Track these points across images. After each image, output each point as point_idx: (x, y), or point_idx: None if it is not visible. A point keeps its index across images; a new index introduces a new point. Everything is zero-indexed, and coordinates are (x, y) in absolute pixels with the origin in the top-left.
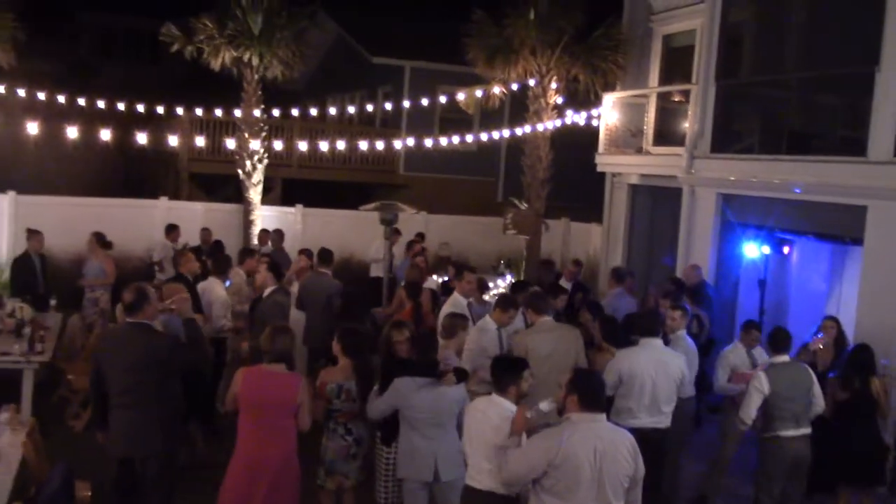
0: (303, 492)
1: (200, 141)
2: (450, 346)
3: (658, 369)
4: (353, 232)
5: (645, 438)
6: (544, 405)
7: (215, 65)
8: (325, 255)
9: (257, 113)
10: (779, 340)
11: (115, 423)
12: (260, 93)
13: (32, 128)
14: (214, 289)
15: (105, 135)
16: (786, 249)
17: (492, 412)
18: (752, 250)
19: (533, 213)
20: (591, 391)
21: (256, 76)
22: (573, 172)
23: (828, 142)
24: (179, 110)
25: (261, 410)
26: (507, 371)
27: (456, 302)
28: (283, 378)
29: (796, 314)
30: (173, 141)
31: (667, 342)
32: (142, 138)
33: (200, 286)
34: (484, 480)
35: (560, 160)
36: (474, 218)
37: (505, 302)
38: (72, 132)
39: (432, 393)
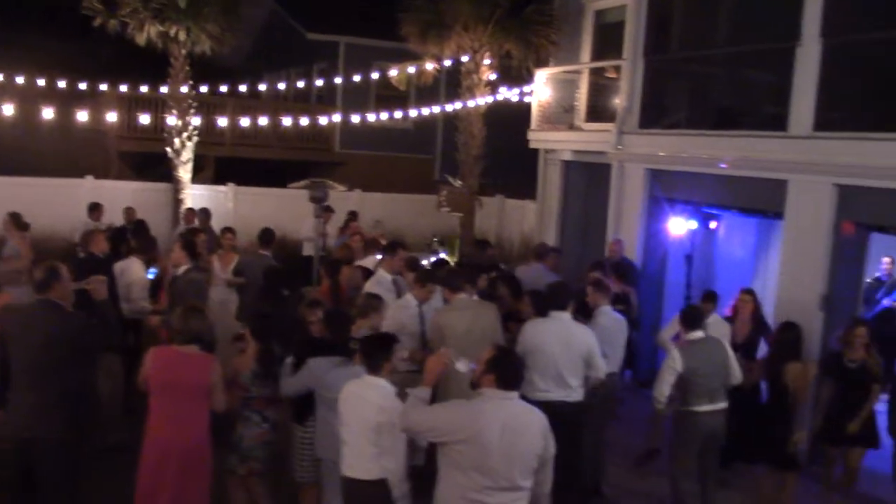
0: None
1: (126, 118)
2: (363, 326)
3: (562, 342)
4: (286, 210)
5: (555, 412)
6: (461, 365)
7: (140, 40)
8: (266, 236)
9: (185, 89)
10: (692, 317)
11: (13, 403)
12: (188, 69)
13: None
14: (133, 269)
15: (33, 113)
16: (713, 224)
17: (370, 394)
18: (680, 225)
19: (467, 190)
20: (509, 372)
21: (184, 51)
22: (508, 149)
23: (753, 117)
24: (103, 87)
25: (171, 392)
26: (377, 349)
27: (381, 278)
28: (195, 359)
29: (723, 289)
30: (101, 119)
31: (589, 317)
32: (70, 116)
33: (118, 266)
34: (372, 469)
35: (495, 137)
36: (409, 196)
37: (423, 277)
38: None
39: (346, 372)
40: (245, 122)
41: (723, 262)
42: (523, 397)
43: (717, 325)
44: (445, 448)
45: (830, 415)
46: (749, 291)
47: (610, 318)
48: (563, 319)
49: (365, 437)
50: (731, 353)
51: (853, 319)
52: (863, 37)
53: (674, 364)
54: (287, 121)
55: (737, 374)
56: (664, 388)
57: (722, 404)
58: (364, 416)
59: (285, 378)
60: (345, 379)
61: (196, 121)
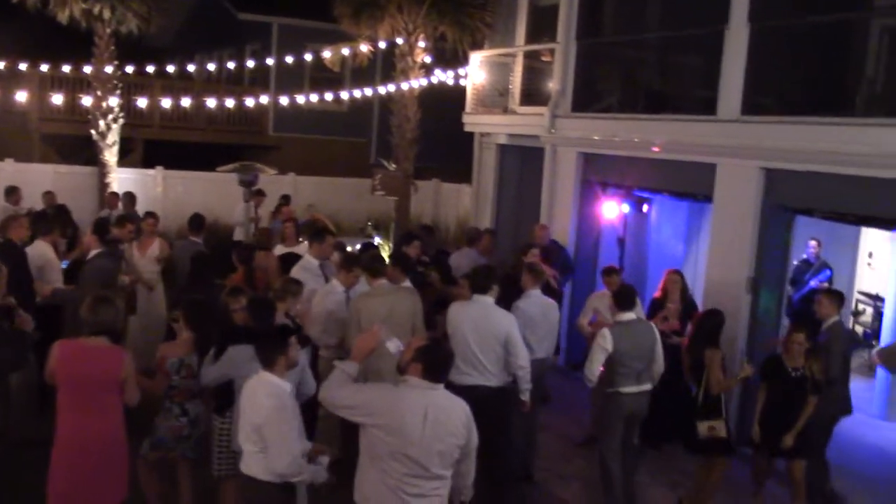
0: (132, 465)
1: (51, 99)
2: (279, 310)
3: (479, 326)
4: (217, 194)
5: (476, 397)
6: (391, 345)
7: (62, 17)
8: (196, 221)
9: (109, 69)
10: (624, 298)
11: None
12: (113, 48)
13: None
14: (40, 251)
15: None
16: (644, 208)
17: (259, 390)
18: (613, 209)
19: (401, 174)
20: (437, 364)
21: (108, 30)
22: (444, 133)
23: (683, 101)
24: (23, 66)
25: (80, 386)
26: (271, 343)
27: (307, 264)
28: (104, 352)
29: (655, 272)
30: (22, 99)
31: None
32: None
33: (29, 250)
34: (252, 466)
35: (430, 120)
36: (344, 179)
37: (347, 261)
38: None
39: None
40: (170, 103)
41: (655, 246)
42: (448, 381)
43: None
44: (366, 434)
45: (767, 424)
46: (677, 272)
47: (535, 302)
48: (483, 303)
49: (247, 433)
50: (658, 338)
51: (792, 325)
52: (790, 21)
53: (604, 343)
54: (214, 103)
55: (660, 363)
56: (595, 367)
57: (647, 386)
58: (246, 413)
59: (206, 367)
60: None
61: (122, 102)
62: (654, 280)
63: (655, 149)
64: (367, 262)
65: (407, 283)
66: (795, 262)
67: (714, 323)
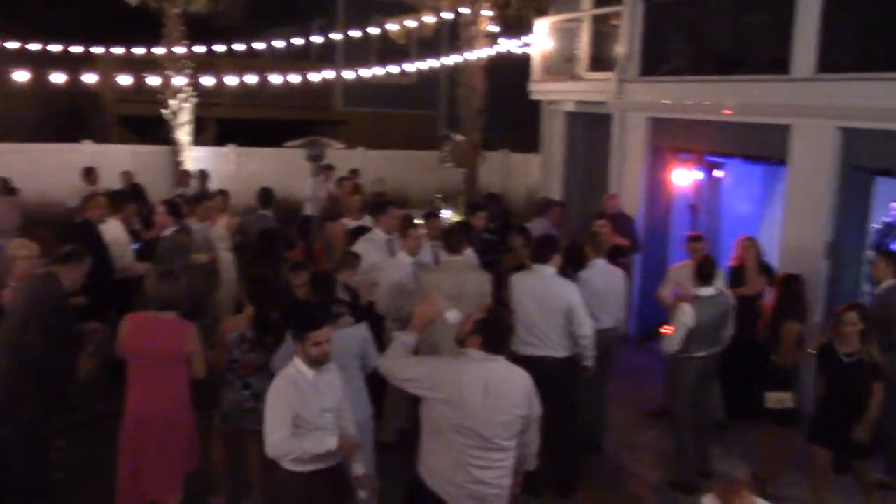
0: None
1: (124, 80)
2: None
3: (540, 297)
4: (288, 170)
5: (540, 367)
6: (451, 315)
7: (133, 0)
8: (265, 196)
9: (179, 50)
10: (705, 272)
11: None
12: (182, 28)
13: None
14: (110, 230)
15: (27, 77)
16: (717, 173)
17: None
18: (683, 175)
19: (469, 145)
20: (496, 336)
21: (177, 11)
22: (513, 102)
23: (754, 60)
24: (97, 49)
25: (147, 359)
26: (291, 326)
27: (374, 236)
28: (170, 325)
29: (729, 239)
30: (95, 81)
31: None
32: (63, 79)
33: (102, 228)
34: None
35: (499, 90)
36: (412, 152)
37: (405, 224)
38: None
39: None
40: (238, 81)
41: (729, 212)
42: (513, 351)
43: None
44: (427, 408)
45: (824, 421)
46: (750, 238)
47: (599, 272)
48: (543, 273)
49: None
50: (732, 305)
51: (847, 305)
52: None
53: (685, 319)
54: (282, 79)
55: (730, 327)
56: (676, 342)
57: (717, 348)
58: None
59: (278, 352)
60: (332, 341)
61: (191, 81)
62: (728, 247)
63: (727, 111)
64: (445, 237)
65: (469, 252)
66: (877, 226)
67: (792, 291)
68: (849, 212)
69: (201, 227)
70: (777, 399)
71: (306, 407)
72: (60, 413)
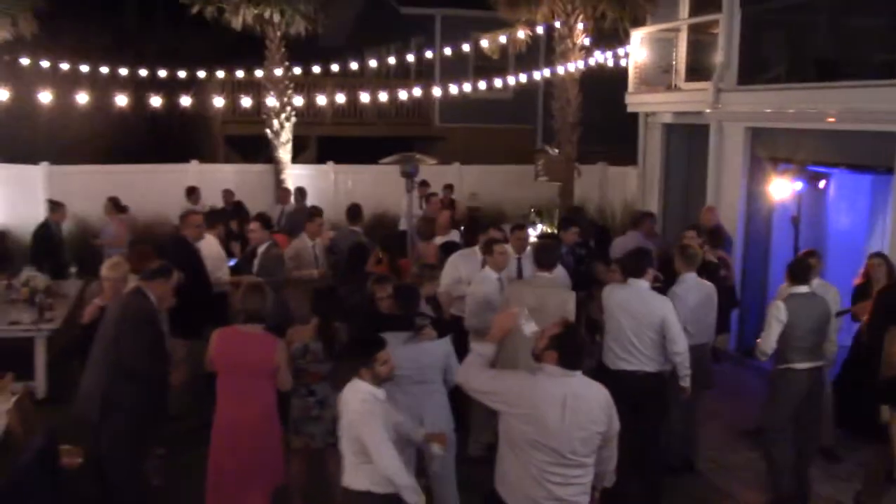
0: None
1: (219, 102)
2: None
3: (633, 311)
4: (386, 186)
5: (633, 382)
6: (527, 327)
7: (236, 24)
8: (353, 211)
9: (280, 71)
10: (798, 271)
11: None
12: (284, 50)
13: (81, 98)
14: (206, 245)
15: (145, 102)
16: (821, 184)
17: (350, 398)
18: (784, 186)
19: (564, 158)
20: (571, 352)
21: (279, 33)
22: (611, 115)
23: (857, 66)
24: (201, 73)
25: (236, 372)
26: (356, 353)
27: (469, 252)
28: (257, 339)
29: (835, 252)
30: (207, 104)
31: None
32: (177, 103)
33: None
34: (357, 479)
35: (595, 103)
36: (508, 167)
37: (485, 245)
38: (119, 100)
39: (415, 349)
40: (342, 99)
41: (835, 224)
42: (601, 366)
43: (822, 289)
44: (504, 423)
45: None
46: (880, 255)
47: (690, 286)
48: (637, 287)
49: (347, 445)
50: (832, 314)
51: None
52: None
53: (778, 314)
54: (385, 97)
55: (833, 340)
56: (770, 340)
57: (820, 362)
58: (346, 423)
59: None
60: (414, 355)
61: (296, 101)
62: (834, 261)
63: (830, 119)
64: (536, 253)
65: (559, 270)
66: None
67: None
68: None
69: (313, 244)
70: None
71: (389, 429)
72: (161, 422)
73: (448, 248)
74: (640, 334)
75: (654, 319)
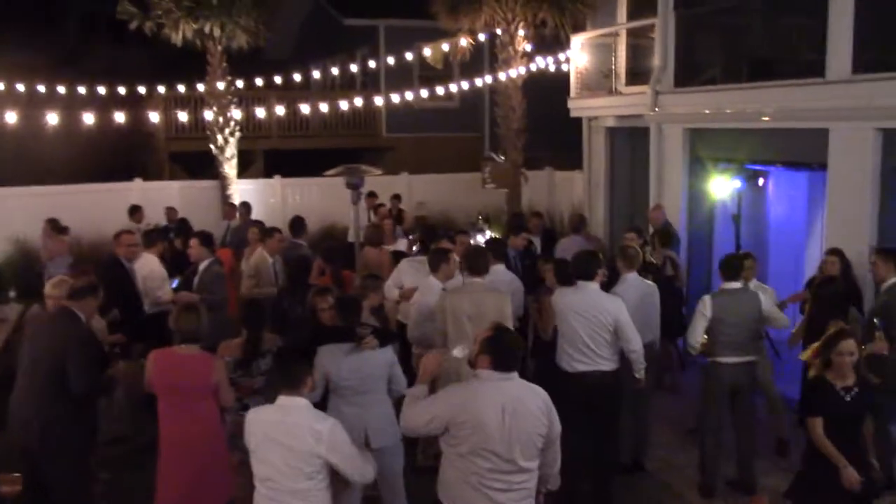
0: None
1: (155, 118)
2: (364, 307)
3: (586, 313)
4: (334, 199)
5: (589, 383)
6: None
7: (176, 39)
8: (297, 225)
9: (221, 85)
10: (729, 267)
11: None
12: (225, 64)
13: (10, 117)
14: (146, 263)
15: (86, 119)
16: (760, 181)
17: (301, 420)
18: (724, 185)
19: (510, 165)
20: (504, 352)
21: (219, 47)
22: (556, 121)
23: (789, 66)
24: (142, 89)
25: (175, 393)
26: (294, 362)
27: (420, 260)
28: (194, 360)
29: (777, 247)
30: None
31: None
32: (121, 119)
33: (137, 264)
34: None
35: (540, 109)
36: (456, 175)
37: (435, 260)
38: (52, 119)
39: (356, 359)
40: (284, 112)
41: (775, 220)
42: (559, 368)
43: (759, 290)
44: (446, 434)
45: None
46: (835, 252)
47: (631, 287)
48: (588, 289)
49: (295, 471)
50: (766, 305)
51: (835, 332)
52: None
53: (703, 309)
54: (328, 109)
55: (779, 320)
56: (695, 333)
57: (748, 357)
58: (292, 445)
59: None
60: (357, 365)
61: (239, 115)
62: (775, 257)
63: (765, 118)
64: (466, 258)
65: (501, 270)
66: None
67: (830, 292)
68: (892, 213)
69: (273, 261)
70: None
71: None
72: (104, 444)
73: (396, 258)
74: (593, 335)
75: (607, 319)
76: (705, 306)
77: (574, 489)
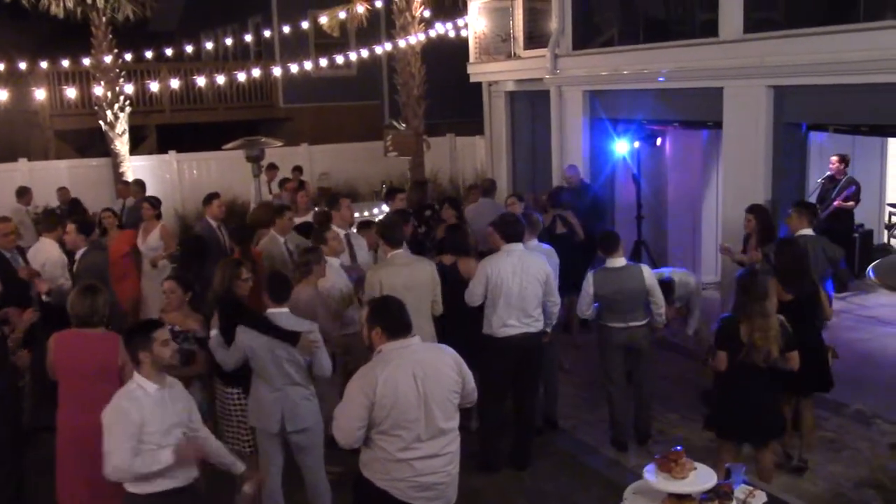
0: None
1: (42, 94)
2: (309, 284)
3: (523, 273)
4: (233, 173)
5: (519, 345)
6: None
7: (57, 11)
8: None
9: (108, 59)
10: (608, 244)
11: None
12: (111, 37)
13: None
14: (44, 248)
15: None
16: (658, 141)
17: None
18: (624, 146)
19: (412, 132)
20: (392, 317)
21: (104, 18)
22: (456, 86)
23: (684, 26)
24: (22, 65)
25: (78, 375)
26: (134, 336)
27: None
28: (98, 340)
29: (676, 204)
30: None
31: None
32: (2, 97)
33: (31, 250)
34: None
35: (439, 75)
36: (357, 145)
37: (318, 235)
38: None
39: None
40: (178, 85)
41: (674, 179)
42: (487, 335)
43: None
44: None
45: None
46: (752, 208)
47: (535, 251)
48: (519, 251)
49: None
50: (648, 282)
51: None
52: None
53: (587, 286)
54: (222, 80)
55: (659, 301)
56: (582, 305)
57: (637, 322)
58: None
59: (218, 351)
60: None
61: (128, 89)
62: (675, 215)
63: (661, 78)
64: (383, 230)
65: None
66: (820, 181)
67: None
68: (786, 169)
69: (285, 240)
70: None
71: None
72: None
73: (306, 229)
74: (527, 297)
75: (540, 277)
76: (588, 283)
77: (493, 450)
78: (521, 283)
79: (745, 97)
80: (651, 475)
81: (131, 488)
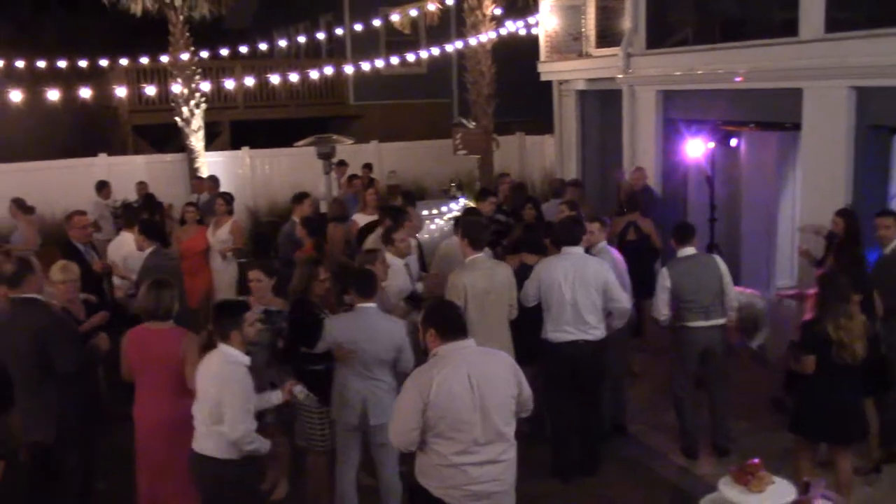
0: None
1: (122, 91)
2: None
3: (576, 278)
4: (304, 169)
5: (577, 353)
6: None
7: (136, 9)
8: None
9: (185, 56)
10: (682, 234)
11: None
12: (188, 35)
13: None
14: (126, 242)
15: (50, 95)
16: (733, 142)
17: (214, 361)
18: (697, 147)
19: (482, 130)
20: (445, 319)
21: (181, 17)
22: (526, 85)
23: (762, 25)
24: (103, 62)
25: (147, 370)
26: (226, 316)
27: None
28: (163, 334)
29: (749, 209)
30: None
31: None
32: (86, 94)
33: (112, 244)
34: (204, 443)
35: (509, 73)
36: (426, 142)
37: (387, 235)
38: (15, 96)
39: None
40: (252, 82)
41: (748, 180)
42: (544, 339)
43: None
44: (424, 418)
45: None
46: (840, 212)
47: (611, 254)
48: (575, 255)
49: (205, 409)
50: (724, 272)
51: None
52: None
53: (663, 281)
54: (296, 77)
55: (731, 296)
56: (660, 306)
57: (718, 321)
58: (205, 386)
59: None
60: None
61: (204, 86)
62: (749, 217)
63: (738, 79)
64: (468, 231)
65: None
66: None
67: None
68: (868, 173)
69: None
70: None
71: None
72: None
73: (372, 228)
74: (584, 302)
75: (597, 283)
76: (664, 278)
77: (564, 456)
78: (573, 287)
79: (825, 98)
80: (726, 487)
81: (216, 453)
